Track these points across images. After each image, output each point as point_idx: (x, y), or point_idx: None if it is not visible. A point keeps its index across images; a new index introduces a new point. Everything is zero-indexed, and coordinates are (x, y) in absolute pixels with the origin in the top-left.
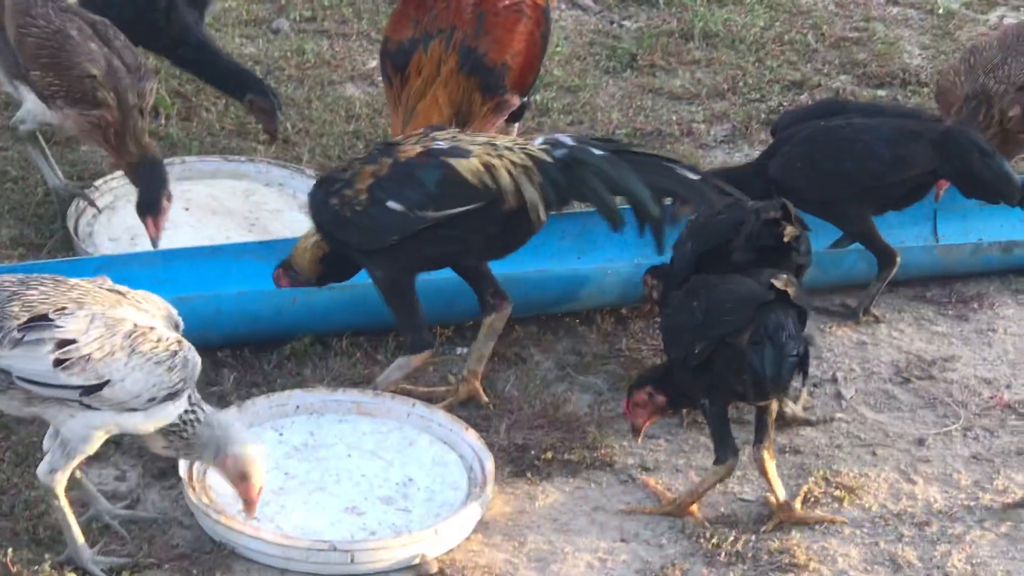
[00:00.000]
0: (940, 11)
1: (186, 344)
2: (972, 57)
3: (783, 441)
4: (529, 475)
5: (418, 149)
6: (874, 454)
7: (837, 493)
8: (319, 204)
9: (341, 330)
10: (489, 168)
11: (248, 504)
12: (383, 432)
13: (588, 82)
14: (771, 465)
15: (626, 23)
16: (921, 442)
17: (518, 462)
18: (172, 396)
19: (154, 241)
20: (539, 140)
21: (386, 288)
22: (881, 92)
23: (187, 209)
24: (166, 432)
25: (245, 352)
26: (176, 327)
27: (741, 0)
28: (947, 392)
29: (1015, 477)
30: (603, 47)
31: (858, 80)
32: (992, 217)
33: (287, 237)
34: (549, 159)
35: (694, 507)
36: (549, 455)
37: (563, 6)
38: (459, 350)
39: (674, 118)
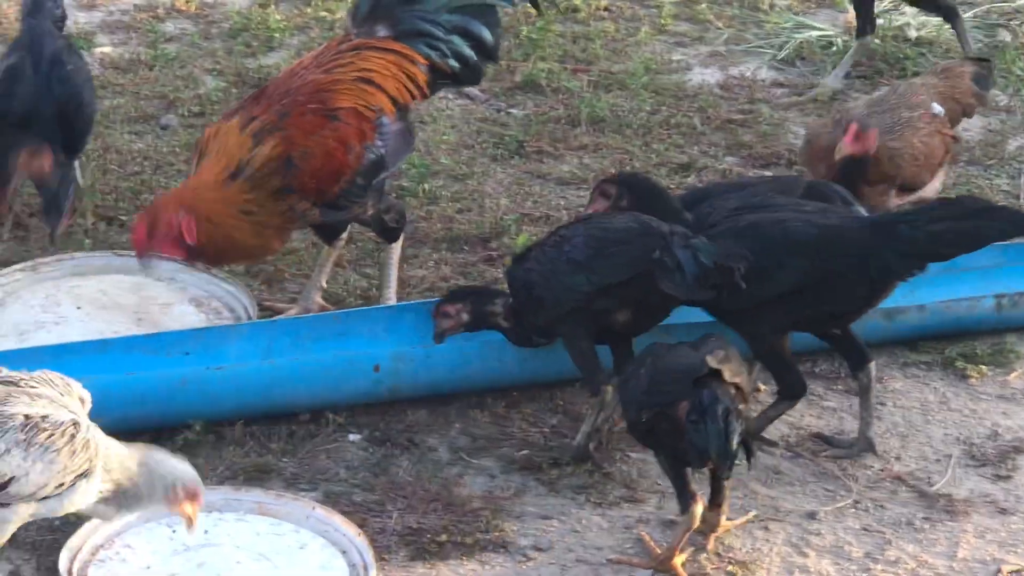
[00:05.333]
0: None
1: (83, 424)
2: (839, 114)
3: (675, 517)
4: (424, 559)
5: None
6: (766, 528)
7: (730, 568)
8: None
9: (233, 417)
10: None
11: (191, 522)
12: (278, 534)
13: (476, 169)
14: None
15: (513, 110)
16: (812, 516)
17: (412, 546)
18: (82, 476)
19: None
20: None
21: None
22: (767, 172)
23: (79, 307)
24: (108, 500)
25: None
26: (82, 402)
27: (626, 85)
28: (838, 466)
29: (906, 548)
30: (490, 135)
31: (744, 161)
32: None
33: (176, 330)
34: None
35: (676, 562)
36: (443, 538)
37: (450, 95)
38: None
39: (562, 203)
